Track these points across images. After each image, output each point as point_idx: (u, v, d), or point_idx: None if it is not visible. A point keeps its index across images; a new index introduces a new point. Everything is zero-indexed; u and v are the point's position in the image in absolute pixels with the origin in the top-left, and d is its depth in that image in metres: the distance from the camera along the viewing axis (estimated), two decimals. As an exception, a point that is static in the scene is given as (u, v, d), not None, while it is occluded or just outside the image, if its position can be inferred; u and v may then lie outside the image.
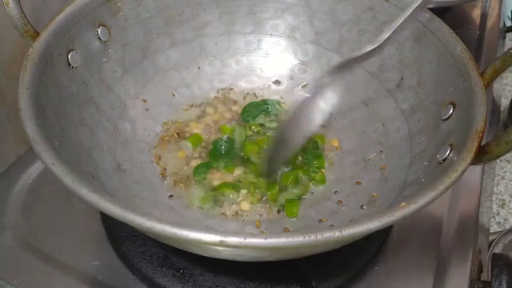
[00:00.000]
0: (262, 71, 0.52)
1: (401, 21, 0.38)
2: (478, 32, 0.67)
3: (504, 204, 0.61)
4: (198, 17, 0.49)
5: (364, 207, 0.40)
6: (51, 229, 0.41)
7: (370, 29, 0.46)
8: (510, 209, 0.61)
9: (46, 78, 0.36)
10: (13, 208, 0.43)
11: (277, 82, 0.51)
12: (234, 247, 0.26)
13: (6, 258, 0.39)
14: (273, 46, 0.51)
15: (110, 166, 0.40)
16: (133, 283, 0.38)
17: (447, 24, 0.40)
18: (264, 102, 0.50)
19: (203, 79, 0.50)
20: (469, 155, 0.31)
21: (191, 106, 0.49)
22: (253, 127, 0.47)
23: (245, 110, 0.49)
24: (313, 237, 0.25)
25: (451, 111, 0.37)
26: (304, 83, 0.50)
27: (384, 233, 0.42)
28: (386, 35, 0.38)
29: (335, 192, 0.42)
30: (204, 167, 0.44)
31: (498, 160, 0.65)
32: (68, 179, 0.28)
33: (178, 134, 0.46)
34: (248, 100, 0.50)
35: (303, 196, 0.42)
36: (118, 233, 0.40)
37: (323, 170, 0.44)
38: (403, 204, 0.28)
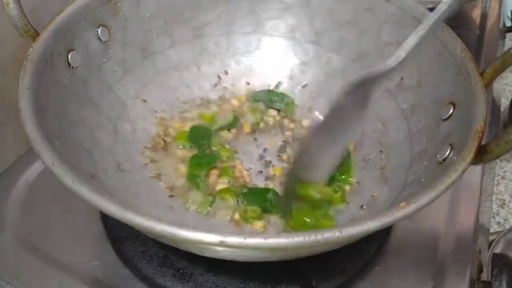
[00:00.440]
0: (262, 71, 0.52)
1: (423, 32, 0.35)
2: (478, 32, 0.67)
3: (504, 204, 0.61)
4: (198, 17, 0.49)
5: (364, 207, 0.40)
6: (51, 229, 0.41)
7: (370, 29, 0.46)
8: (510, 209, 0.61)
9: (46, 78, 0.36)
10: (13, 208, 0.43)
11: (277, 82, 0.51)
12: (234, 247, 0.26)
13: (6, 258, 0.39)
14: (273, 46, 0.51)
15: (110, 166, 0.40)
16: (133, 283, 0.38)
17: (447, 24, 0.40)
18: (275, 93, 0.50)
19: (203, 79, 0.50)
20: (469, 155, 0.31)
21: (191, 106, 0.49)
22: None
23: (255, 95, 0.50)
24: (313, 237, 0.25)
25: (451, 111, 0.37)
26: (304, 83, 0.50)
27: (384, 233, 0.42)
28: (407, 48, 0.35)
29: (335, 192, 0.42)
30: (197, 159, 0.44)
31: (498, 160, 0.65)
32: (68, 179, 0.28)
33: (164, 141, 0.45)
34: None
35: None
36: (118, 233, 0.40)
37: (347, 188, 0.42)
38: (403, 204, 0.28)
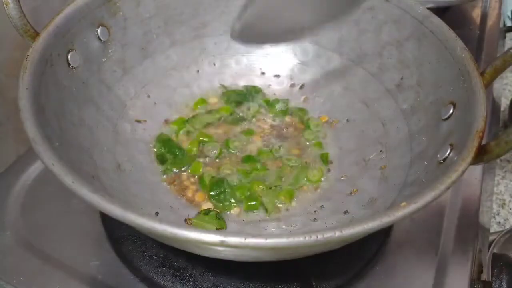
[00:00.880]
0: (262, 71, 0.52)
1: None
2: (478, 32, 0.67)
3: (504, 204, 0.61)
4: (198, 17, 0.49)
5: (364, 207, 0.40)
6: (51, 229, 0.41)
7: (370, 29, 0.46)
8: (510, 209, 0.61)
9: (46, 78, 0.36)
10: (13, 208, 0.43)
11: (277, 82, 0.51)
12: (234, 247, 0.26)
13: (6, 258, 0.39)
14: (273, 46, 0.51)
15: (110, 166, 0.40)
16: (133, 283, 0.38)
17: (447, 24, 0.40)
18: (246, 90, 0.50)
19: (203, 79, 0.50)
20: (469, 155, 0.31)
21: (191, 106, 0.49)
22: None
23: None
24: (313, 237, 0.25)
25: (451, 111, 0.37)
26: (303, 83, 0.50)
27: (384, 233, 0.42)
28: None
29: (336, 191, 0.42)
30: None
31: (498, 160, 0.65)
32: (68, 179, 0.28)
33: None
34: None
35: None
36: (118, 233, 0.40)
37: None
38: (403, 204, 0.28)
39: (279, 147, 0.46)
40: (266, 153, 0.45)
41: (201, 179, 0.43)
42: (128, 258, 0.39)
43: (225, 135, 0.47)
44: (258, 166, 0.44)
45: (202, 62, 0.50)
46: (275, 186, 0.43)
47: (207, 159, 0.45)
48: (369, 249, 0.40)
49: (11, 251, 0.40)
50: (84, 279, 0.38)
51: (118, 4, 0.44)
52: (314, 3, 0.33)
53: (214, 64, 0.51)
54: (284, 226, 0.40)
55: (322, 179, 0.44)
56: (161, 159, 0.44)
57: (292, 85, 0.51)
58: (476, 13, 0.70)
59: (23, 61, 0.35)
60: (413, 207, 0.28)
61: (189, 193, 0.42)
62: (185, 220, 0.39)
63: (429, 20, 0.41)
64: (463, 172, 0.30)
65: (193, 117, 0.48)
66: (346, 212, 0.40)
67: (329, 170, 0.44)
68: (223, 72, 0.51)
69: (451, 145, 0.35)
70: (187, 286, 0.38)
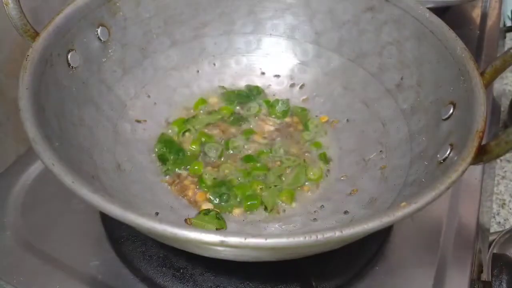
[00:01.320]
0: (262, 71, 0.52)
1: None
2: (478, 32, 0.67)
3: (504, 204, 0.61)
4: (198, 17, 0.49)
5: (364, 207, 0.40)
6: (51, 229, 0.41)
7: (370, 29, 0.46)
8: (510, 209, 0.61)
9: (46, 78, 0.36)
10: (13, 208, 0.43)
11: (277, 82, 0.51)
12: (234, 247, 0.26)
13: (6, 258, 0.39)
14: (273, 46, 0.51)
15: (110, 166, 0.40)
16: (133, 283, 0.38)
17: (447, 24, 0.40)
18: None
19: (203, 79, 0.50)
20: (469, 155, 0.31)
21: (191, 106, 0.49)
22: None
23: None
24: (313, 237, 0.25)
25: (451, 111, 0.37)
26: (303, 83, 0.50)
27: (384, 233, 0.42)
28: None
29: (336, 191, 0.42)
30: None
31: (498, 160, 0.65)
32: (68, 179, 0.28)
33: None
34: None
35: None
36: (118, 233, 0.40)
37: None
38: (403, 204, 0.28)
39: (279, 147, 0.46)
40: (266, 153, 0.45)
41: (201, 179, 0.43)
42: (128, 258, 0.39)
43: (226, 135, 0.47)
44: (259, 166, 0.44)
45: (202, 62, 0.50)
46: (275, 185, 0.43)
47: (207, 159, 0.45)
48: (369, 249, 0.40)
49: (11, 251, 0.40)
50: (84, 279, 0.38)
51: (118, 4, 0.43)
52: None
53: (214, 64, 0.51)
54: (284, 226, 0.40)
55: (322, 179, 0.44)
56: (163, 159, 0.44)
57: (292, 85, 0.51)
58: (476, 13, 0.70)
59: (23, 61, 0.35)
60: (413, 207, 0.28)
61: (189, 193, 0.42)
62: (185, 220, 0.39)
63: (429, 20, 0.41)
64: (463, 172, 0.30)
65: (194, 117, 0.48)
66: (346, 212, 0.40)
67: (329, 170, 0.44)
68: (223, 72, 0.51)
69: (451, 145, 0.35)
70: (187, 286, 0.38)
